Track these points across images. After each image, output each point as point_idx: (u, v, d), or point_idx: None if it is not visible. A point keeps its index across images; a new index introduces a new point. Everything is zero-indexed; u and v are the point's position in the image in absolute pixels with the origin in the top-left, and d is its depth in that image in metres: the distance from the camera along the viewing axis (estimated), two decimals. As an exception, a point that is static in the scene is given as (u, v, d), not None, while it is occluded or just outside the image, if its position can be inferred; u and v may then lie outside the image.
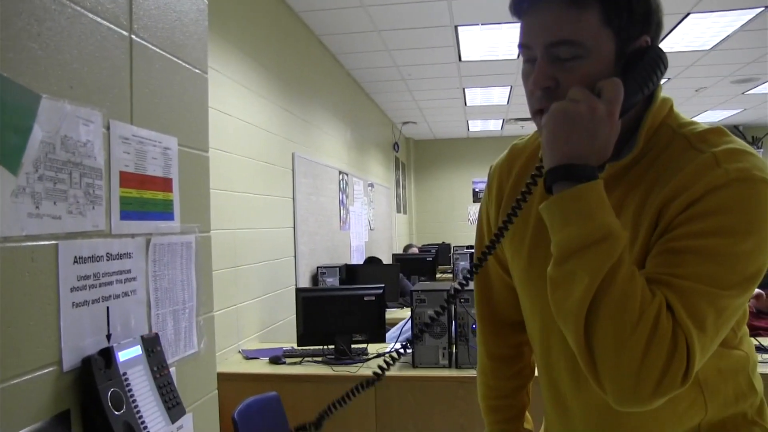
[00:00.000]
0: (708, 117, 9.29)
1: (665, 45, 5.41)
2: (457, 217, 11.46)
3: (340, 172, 6.05)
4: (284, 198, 4.31)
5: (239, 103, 3.53)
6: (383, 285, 3.20)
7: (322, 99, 5.44)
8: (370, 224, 7.66)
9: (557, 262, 0.88)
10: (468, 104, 8.15)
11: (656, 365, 0.82)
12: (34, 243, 0.92)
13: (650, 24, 0.96)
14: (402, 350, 0.94)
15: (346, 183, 6.35)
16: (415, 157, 11.65)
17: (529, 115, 1.00)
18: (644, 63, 0.94)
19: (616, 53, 0.93)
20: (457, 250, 7.20)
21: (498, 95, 7.64)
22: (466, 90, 7.30)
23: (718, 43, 5.37)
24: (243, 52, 3.59)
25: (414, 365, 2.90)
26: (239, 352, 3.35)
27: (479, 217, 1.29)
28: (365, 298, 3.12)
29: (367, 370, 2.94)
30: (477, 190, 11.42)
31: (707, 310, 0.85)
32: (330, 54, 5.67)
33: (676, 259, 0.88)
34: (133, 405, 1.04)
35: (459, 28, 4.89)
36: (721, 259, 0.87)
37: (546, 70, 0.94)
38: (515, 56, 5.65)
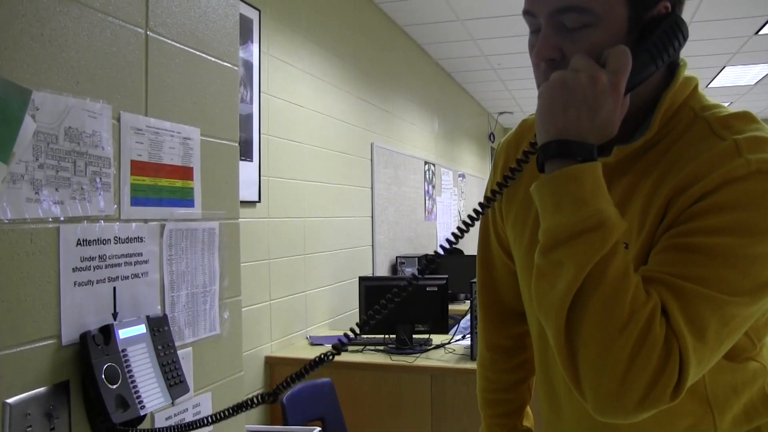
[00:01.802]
0: None
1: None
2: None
3: (426, 162, 6.05)
4: (362, 187, 4.38)
5: (313, 95, 3.62)
6: (447, 276, 3.19)
7: (406, 89, 5.45)
8: (460, 215, 7.61)
9: (544, 250, 0.81)
10: (564, 93, 7.87)
11: (643, 375, 0.74)
12: (34, 226, 1.00)
13: None
14: (362, 327, 0.92)
15: (433, 173, 6.34)
16: (512, 147, 11.41)
17: None
18: (659, 32, 0.84)
19: (630, 21, 0.84)
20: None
21: (595, 84, 7.32)
22: (561, 78, 7.05)
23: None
24: (317, 45, 3.67)
25: (472, 358, 2.87)
26: (306, 338, 3.45)
27: (484, 195, 1.25)
28: (428, 289, 3.12)
29: (425, 360, 2.95)
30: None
31: (710, 318, 0.76)
32: (416, 44, 5.67)
33: (681, 258, 0.79)
34: (129, 380, 1.11)
35: (545, 15, 4.73)
36: (733, 261, 0.77)
37: (550, 41, 0.86)
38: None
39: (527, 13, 0.90)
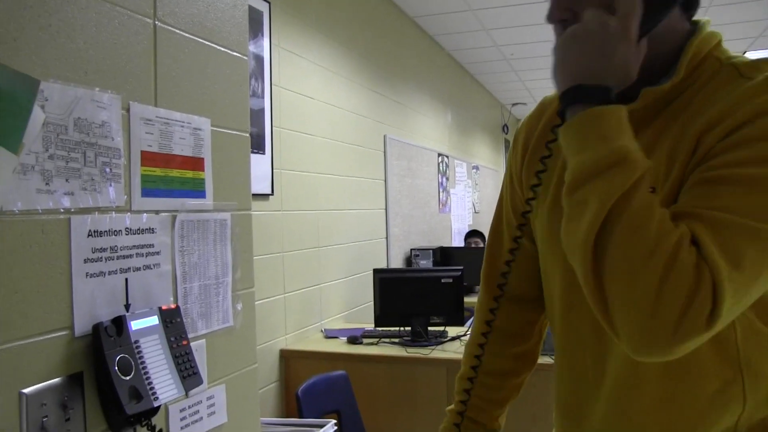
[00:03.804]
0: None
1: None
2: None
3: (440, 154, 6.02)
4: (375, 180, 4.36)
5: (324, 87, 3.60)
6: (462, 267, 3.17)
7: (418, 81, 5.42)
8: (475, 207, 7.58)
9: (569, 190, 0.81)
10: (579, 83, 7.79)
11: (673, 304, 0.71)
12: (45, 217, 1.00)
13: None
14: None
15: (447, 165, 6.31)
16: (526, 139, 11.33)
17: None
18: None
19: None
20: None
21: (610, 72, 7.25)
22: (575, 68, 6.98)
23: None
24: (327, 37, 3.66)
25: (488, 350, 2.85)
26: (321, 331, 3.45)
27: (505, 173, 1.23)
28: (443, 281, 3.10)
29: (441, 353, 2.93)
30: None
31: (745, 246, 0.74)
32: (427, 35, 5.63)
33: (712, 190, 0.78)
34: (142, 371, 1.11)
35: (558, 3, 4.68)
36: (766, 189, 0.75)
37: (560, 1, 0.88)
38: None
39: None
